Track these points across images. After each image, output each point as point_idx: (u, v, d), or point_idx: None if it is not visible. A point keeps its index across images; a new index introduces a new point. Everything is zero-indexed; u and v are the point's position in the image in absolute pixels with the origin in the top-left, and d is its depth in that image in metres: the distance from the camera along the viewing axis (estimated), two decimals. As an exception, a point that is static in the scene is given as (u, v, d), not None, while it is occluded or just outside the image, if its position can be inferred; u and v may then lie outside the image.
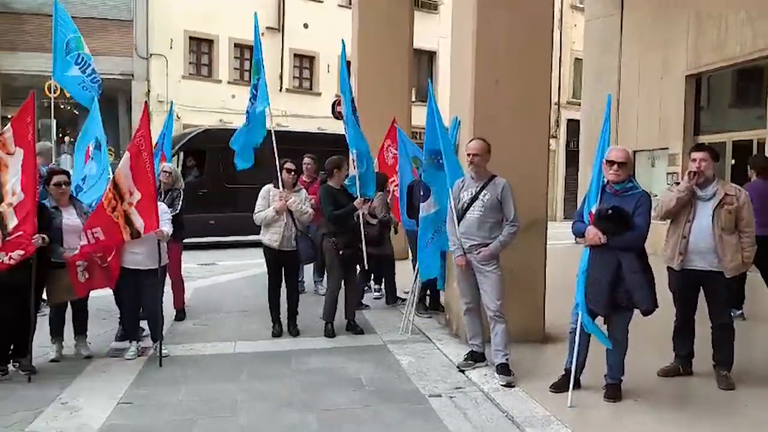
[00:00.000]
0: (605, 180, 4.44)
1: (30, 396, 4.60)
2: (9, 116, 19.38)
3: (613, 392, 4.46)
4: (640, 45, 13.51)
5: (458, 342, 6.00)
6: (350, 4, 14.19)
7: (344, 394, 4.74)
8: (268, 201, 6.30)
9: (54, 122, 20.98)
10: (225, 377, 5.10)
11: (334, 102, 18.81)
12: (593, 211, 4.39)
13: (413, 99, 13.10)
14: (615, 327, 4.43)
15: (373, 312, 7.46)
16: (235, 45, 21.60)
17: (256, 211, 6.32)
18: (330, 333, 6.34)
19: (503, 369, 4.87)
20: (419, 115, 8.61)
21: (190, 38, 21.09)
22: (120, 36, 19.53)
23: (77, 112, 19.36)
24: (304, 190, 6.68)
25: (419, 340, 6.23)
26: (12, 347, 5.04)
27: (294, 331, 6.41)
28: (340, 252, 6.34)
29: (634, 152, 12.44)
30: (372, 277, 8.34)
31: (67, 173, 5.52)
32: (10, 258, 4.71)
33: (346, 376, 5.16)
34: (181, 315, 7.04)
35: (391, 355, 5.74)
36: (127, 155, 5.21)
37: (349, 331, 6.47)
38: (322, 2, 23.31)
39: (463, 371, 5.16)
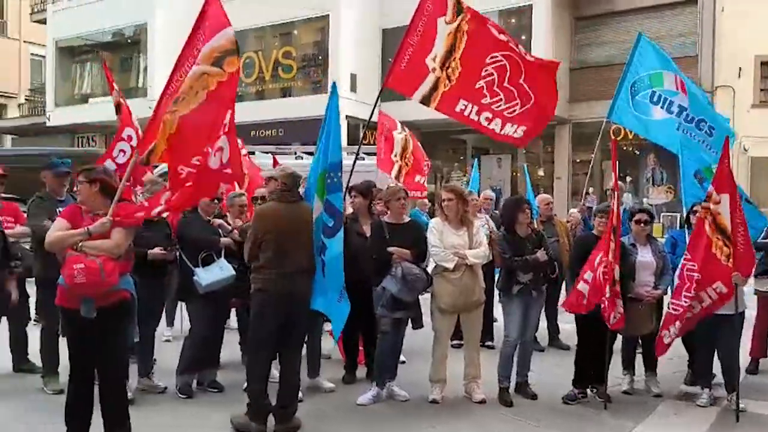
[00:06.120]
0: None
1: (607, 424, 4.89)
2: (578, 160, 21.38)
3: None
4: None
5: None
6: None
7: None
8: None
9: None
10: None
11: None
12: None
13: None
14: None
15: None
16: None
17: None
18: None
19: None
20: None
21: (762, 63, 19.26)
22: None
23: (638, 152, 19.94)
24: None
25: None
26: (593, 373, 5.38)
27: None
28: None
29: None
30: None
31: (649, 212, 5.68)
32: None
33: None
34: (752, 367, 6.32)
35: None
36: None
37: None
38: None
39: None
